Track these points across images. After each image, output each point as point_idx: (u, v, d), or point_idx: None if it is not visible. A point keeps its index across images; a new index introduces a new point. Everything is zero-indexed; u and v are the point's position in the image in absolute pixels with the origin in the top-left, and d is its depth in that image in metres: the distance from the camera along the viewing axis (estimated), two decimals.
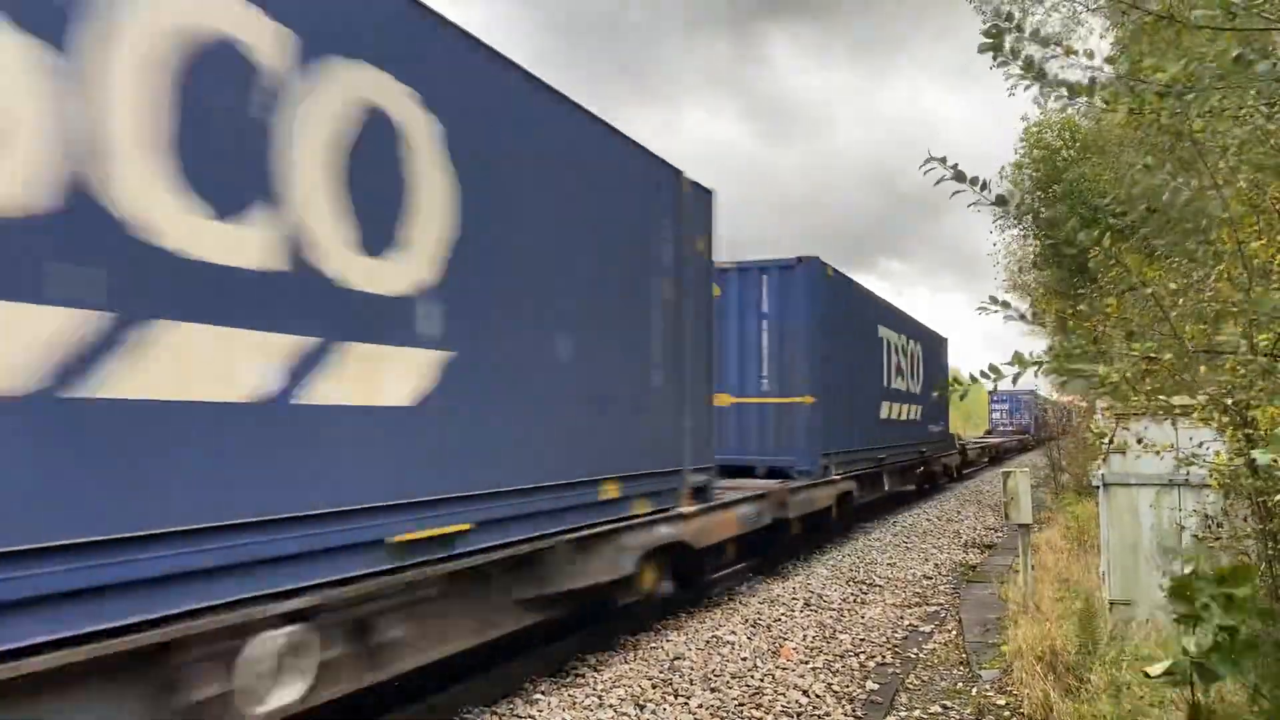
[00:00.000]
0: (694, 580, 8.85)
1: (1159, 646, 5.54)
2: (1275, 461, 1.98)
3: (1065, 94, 2.97)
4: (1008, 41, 2.96)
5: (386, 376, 4.55)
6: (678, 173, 7.96)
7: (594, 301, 6.60)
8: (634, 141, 7.28)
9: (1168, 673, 2.46)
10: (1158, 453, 5.41)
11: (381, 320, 4.52)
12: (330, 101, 4.24)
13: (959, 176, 3.06)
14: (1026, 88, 3.01)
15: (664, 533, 7.34)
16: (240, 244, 3.78)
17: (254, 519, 3.78)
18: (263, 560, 3.83)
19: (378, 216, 4.51)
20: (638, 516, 7.01)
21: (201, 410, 3.60)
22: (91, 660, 3.10)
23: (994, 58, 2.97)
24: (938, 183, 3.06)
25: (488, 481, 5.29)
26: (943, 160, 3.04)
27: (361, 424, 4.39)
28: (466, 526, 5.07)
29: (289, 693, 3.89)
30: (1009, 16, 2.96)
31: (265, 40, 3.90)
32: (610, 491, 6.67)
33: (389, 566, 4.52)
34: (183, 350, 3.52)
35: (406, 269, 4.71)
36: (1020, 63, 2.95)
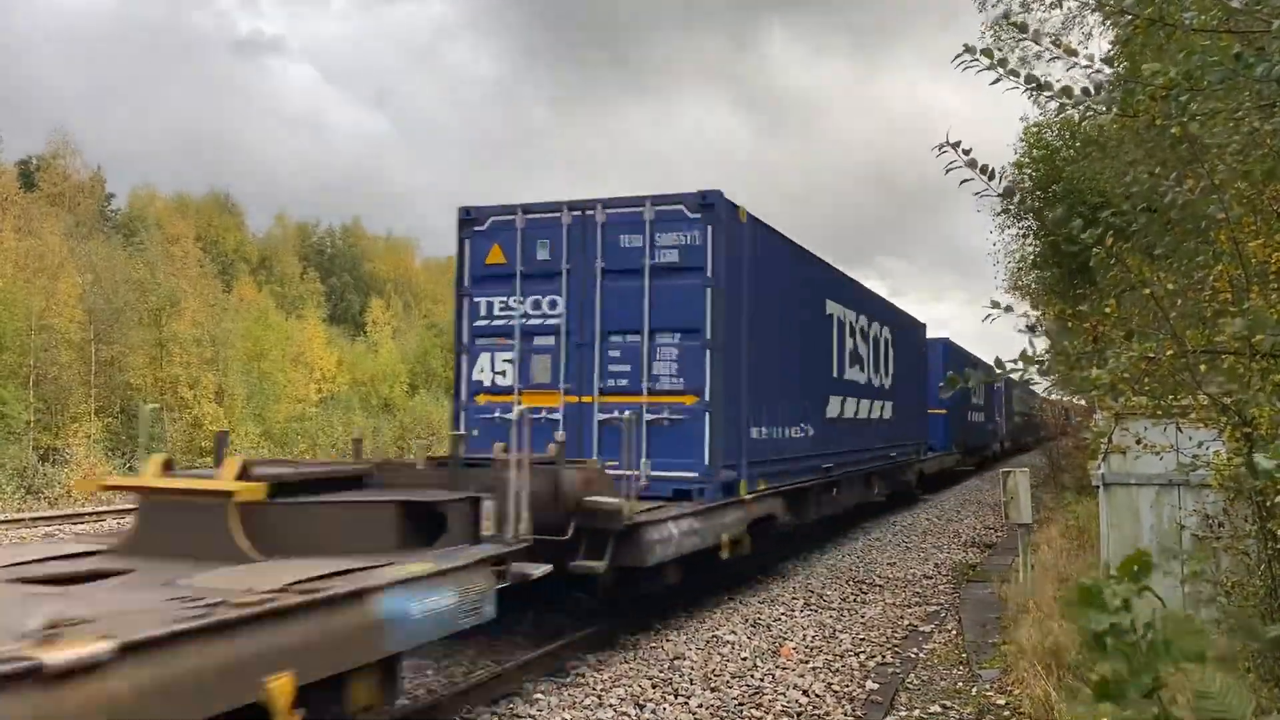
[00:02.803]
0: None
1: None
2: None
3: (1063, 98, 2.97)
4: (990, 57, 2.98)
5: None
6: None
7: None
8: None
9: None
10: (1158, 453, 5.42)
11: None
12: None
13: (971, 164, 3.06)
14: (1029, 97, 3.02)
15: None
16: None
17: None
18: None
19: None
20: None
21: None
22: None
23: (989, 68, 2.98)
24: (948, 169, 3.06)
25: None
26: (956, 145, 3.04)
27: None
28: None
29: None
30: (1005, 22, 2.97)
31: None
32: None
33: None
34: None
35: None
36: (1007, 70, 2.96)
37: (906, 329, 18.29)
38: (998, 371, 3.19)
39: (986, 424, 30.68)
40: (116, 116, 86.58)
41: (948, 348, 24.68)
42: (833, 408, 12.44)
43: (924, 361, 19.99)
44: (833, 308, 12.62)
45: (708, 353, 8.39)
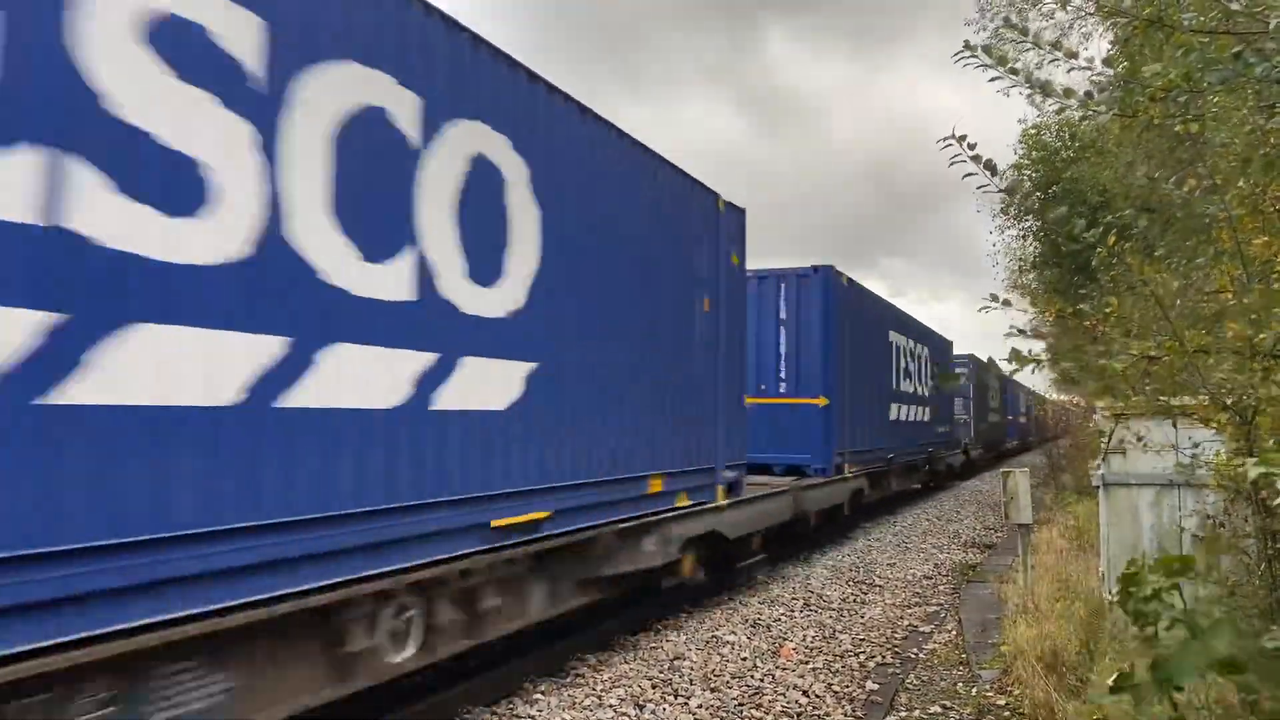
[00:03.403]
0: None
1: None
2: (1271, 475, 1.95)
3: (1064, 99, 2.98)
4: (990, 54, 2.98)
5: None
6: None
7: None
8: None
9: (1118, 688, 1.85)
10: (1158, 452, 5.42)
11: None
12: None
13: (976, 158, 3.06)
14: (1027, 98, 3.03)
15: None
16: None
17: None
18: None
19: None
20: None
21: None
22: None
23: (985, 68, 2.99)
24: (952, 162, 3.05)
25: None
26: (962, 139, 3.03)
27: None
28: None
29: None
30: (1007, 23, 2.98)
31: None
32: None
33: None
34: None
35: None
36: (1006, 69, 2.97)
37: (652, 191, 7.51)
38: (983, 360, 3.20)
39: (935, 425, 19.94)
40: None
41: (834, 284, 12.60)
42: None
43: (736, 285, 9.14)
44: None
45: None
